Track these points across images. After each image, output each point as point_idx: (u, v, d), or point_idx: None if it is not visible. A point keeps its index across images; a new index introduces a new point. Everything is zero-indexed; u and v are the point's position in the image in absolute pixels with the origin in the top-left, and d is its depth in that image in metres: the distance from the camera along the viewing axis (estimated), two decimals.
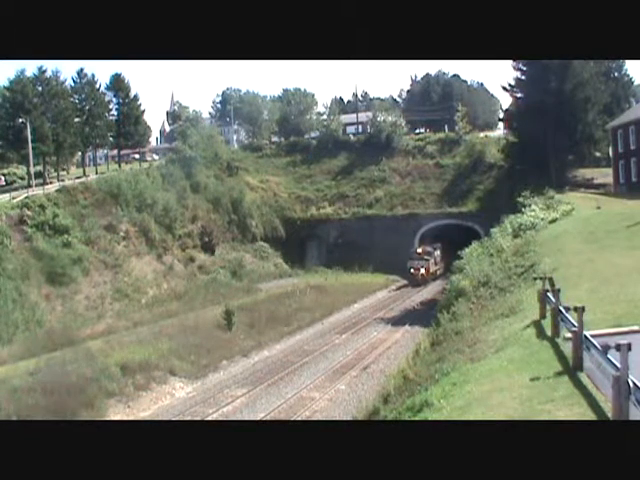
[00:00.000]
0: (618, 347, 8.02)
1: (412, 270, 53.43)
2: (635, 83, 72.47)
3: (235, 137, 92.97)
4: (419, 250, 54.80)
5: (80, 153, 70.72)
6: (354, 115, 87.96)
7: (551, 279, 16.44)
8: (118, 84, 65.72)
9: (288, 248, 60.05)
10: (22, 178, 64.74)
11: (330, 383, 26.03)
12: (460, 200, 59.28)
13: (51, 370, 24.43)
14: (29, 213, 40.32)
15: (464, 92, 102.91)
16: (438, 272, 56.26)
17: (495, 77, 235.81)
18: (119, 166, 66.16)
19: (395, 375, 21.57)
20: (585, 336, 10.49)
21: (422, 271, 53.31)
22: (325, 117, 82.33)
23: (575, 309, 11.28)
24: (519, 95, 56.26)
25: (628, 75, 69.50)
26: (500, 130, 79.65)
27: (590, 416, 8.58)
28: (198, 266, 50.68)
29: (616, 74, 66.79)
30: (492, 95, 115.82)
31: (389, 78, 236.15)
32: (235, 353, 31.18)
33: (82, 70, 62.59)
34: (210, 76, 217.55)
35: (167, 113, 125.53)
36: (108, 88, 65.47)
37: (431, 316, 31.24)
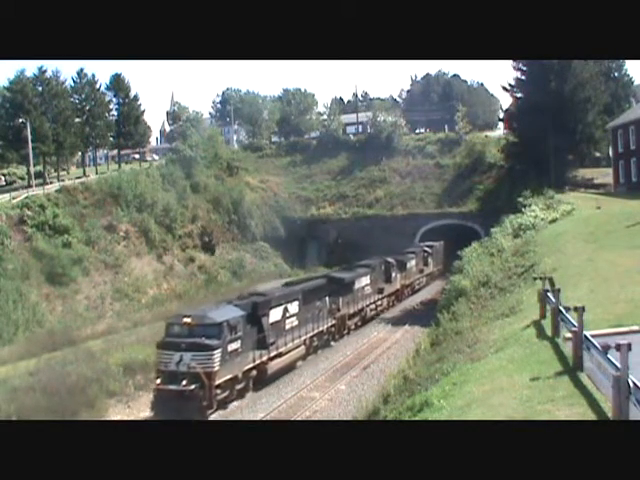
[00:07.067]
0: (618, 347, 8.02)
1: (158, 379, 21.26)
2: (635, 83, 72.30)
3: (235, 137, 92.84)
4: (186, 319, 21.91)
5: (80, 153, 70.67)
6: (354, 115, 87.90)
7: (551, 279, 16.47)
8: (118, 84, 65.67)
9: (288, 248, 59.96)
10: (22, 178, 64.64)
11: (330, 383, 26.00)
12: (460, 200, 59.20)
13: (51, 370, 24.42)
14: (29, 213, 40.30)
15: (464, 92, 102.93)
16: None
17: (495, 77, 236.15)
18: (119, 166, 66.08)
19: (395, 375, 21.56)
20: (585, 336, 10.49)
21: (182, 387, 20.52)
22: (325, 117, 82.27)
23: (575, 309, 11.28)
24: (519, 95, 56.13)
25: (628, 75, 69.35)
26: (500, 130, 79.50)
27: (590, 416, 8.57)
28: (198, 266, 50.65)
29: (616, 74, 66.68)
30: (492, 95, 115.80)
31: (389, 78, 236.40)
32: None
33: (82, 70, 62.53)
34: (210, 76, 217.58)
35: (167, 113, 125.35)
36: (108, 88, 65.41)
37: (431, 316, 31.22)
